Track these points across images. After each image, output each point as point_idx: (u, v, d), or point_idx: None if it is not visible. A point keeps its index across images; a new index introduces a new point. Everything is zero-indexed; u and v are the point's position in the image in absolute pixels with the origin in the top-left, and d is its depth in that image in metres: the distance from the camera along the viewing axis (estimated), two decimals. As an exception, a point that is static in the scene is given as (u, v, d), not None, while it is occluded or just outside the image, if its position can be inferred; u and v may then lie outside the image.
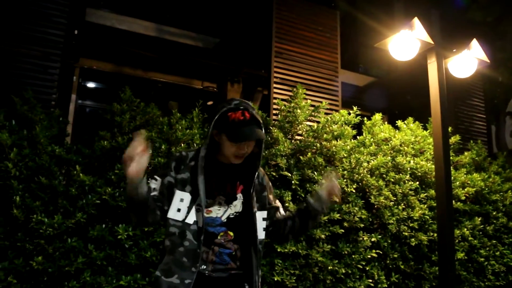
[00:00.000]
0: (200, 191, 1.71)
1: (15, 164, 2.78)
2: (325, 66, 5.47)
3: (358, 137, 4.16)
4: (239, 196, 1.80)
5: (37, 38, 3.76)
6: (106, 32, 5.46)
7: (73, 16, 4.37)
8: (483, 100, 6.92)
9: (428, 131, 4.59)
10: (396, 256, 3.83)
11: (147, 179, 1.73)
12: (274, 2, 5.33)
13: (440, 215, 3.57)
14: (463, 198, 4.43)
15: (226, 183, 1.80)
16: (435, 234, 3.98)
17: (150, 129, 3.24)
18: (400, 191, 4.02)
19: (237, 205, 1.79)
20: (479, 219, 4.41)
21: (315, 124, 4.02)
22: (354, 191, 3.76)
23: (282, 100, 4.26)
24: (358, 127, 4.26)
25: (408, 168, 4.16)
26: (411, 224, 3.98)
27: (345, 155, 3.86)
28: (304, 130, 3.94)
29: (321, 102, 4.17)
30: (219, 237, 1.72)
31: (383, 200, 3.84)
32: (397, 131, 4.44)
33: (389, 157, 4.13)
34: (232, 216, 1.77)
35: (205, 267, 1.69)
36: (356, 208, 3.67)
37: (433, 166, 4.02)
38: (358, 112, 4.09)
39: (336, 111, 4.67)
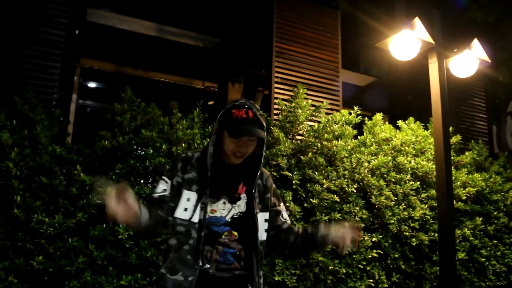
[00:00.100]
0: (207, 188, 1.72)
1: (16, 163, 2.78)
2: (326, 66, 5.47)
3: (359, 137, 4.16)
4: (243, 196, 1.81)
5: (38, 38, 3.76)
6: (107, 32, 5.46)
7: (74, 16, 4.37)
8: (484, 100, 6.90)
9: (429, 131, 4.59)
10: (397, 256, 3.83)
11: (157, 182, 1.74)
12: (274, 2, 5.32)
13: (441, 215, 3.56)
14: (464, 198, 4.42)
15: (230, 183, 1.81)
16: (436, 234, 3.97)
17: (151, 129, 3.24)
18: (401, 191, 4.01)
19: (241, 205, 1.79)
20: (480, 219, 4.40)
21: (316, 124, 4.01)
22: (355, 191, 3.76)
23: (283, 100, 4.25)
24: (359, 127, 4.26)
25: (409, 168, 4.16)
26: (412, 224, 3.97)
27: (346, 155, 3.86)
28: (305, 130, 3.94)
29: (322, 102, 4.17)
30: (223, 237, 1.73)
31: (384, 200, 3.83)
32: (398, 131, 4.43)
33: (390, 157, 4.12)
34: (236, 216, 1.77)
35: (209, 266, 1.70)
36: (357, 208, 3.67)
37: (434, 166, 4.01)
38: (359, 112, 4.09)
39: (337, 111, 4.67)
